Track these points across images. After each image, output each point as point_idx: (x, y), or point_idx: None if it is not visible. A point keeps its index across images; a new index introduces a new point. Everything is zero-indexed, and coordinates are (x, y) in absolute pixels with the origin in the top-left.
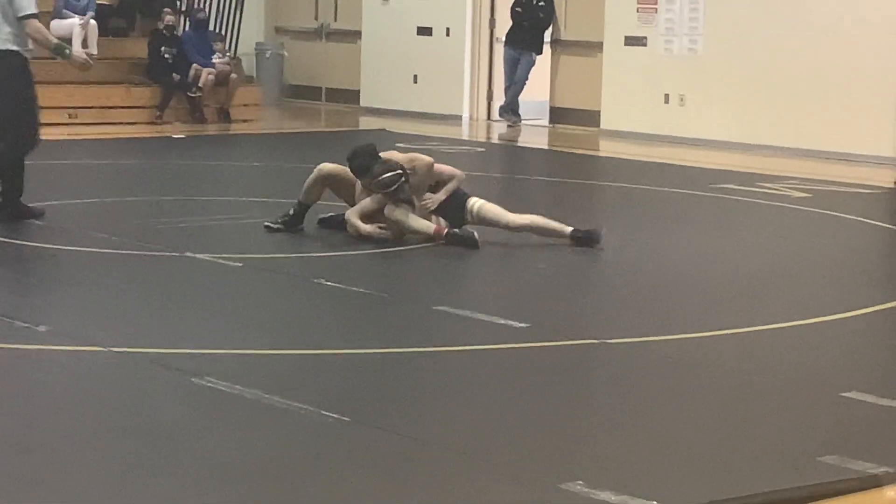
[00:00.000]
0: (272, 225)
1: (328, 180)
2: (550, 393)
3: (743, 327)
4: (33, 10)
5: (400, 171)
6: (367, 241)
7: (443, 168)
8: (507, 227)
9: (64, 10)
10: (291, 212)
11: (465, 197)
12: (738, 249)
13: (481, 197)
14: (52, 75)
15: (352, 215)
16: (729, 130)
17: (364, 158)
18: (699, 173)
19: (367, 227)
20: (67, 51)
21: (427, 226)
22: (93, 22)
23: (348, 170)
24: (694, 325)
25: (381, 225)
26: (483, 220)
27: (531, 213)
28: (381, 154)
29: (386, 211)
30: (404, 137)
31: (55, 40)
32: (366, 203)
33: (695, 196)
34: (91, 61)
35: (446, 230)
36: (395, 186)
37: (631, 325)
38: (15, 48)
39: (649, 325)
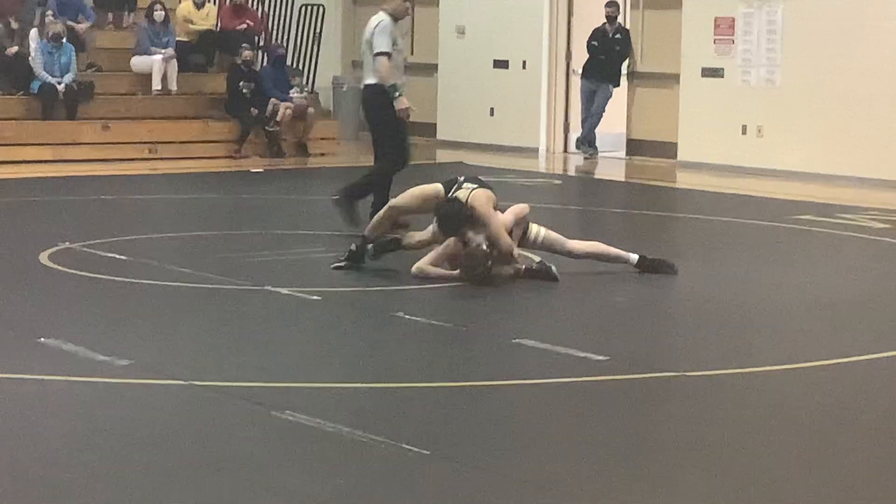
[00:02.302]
0: (340, 265)
1: (399, 214)
2: (630, 427)
3: (824, 360)
4: (385, 49)
5: (486, 258)
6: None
7: (510, 219)
8: (570, 255)
9: (151, 48)
10: (353, 248)
11: (527, 224)
12: (819, 281)
13: (552, 227)
14: (132, 111)
15: (424, 264)
16: (807, 161)
17: (455, 222)
18: (777, 205)
19: (435, 271)
20: (398, 94)
21: (505, 269)
22: (173, 58)
23: (420, 204)
24: (774, 357)
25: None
26: (545, 247)
27: (594, 240)
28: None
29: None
30: (481, 171)
31: (391, 81)
32: (439, 252)
33: (773, 227)
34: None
35: (524, 267)
36: (476, 269)
37: (710, 357)
38: (375, 81)
39: (729, 357)
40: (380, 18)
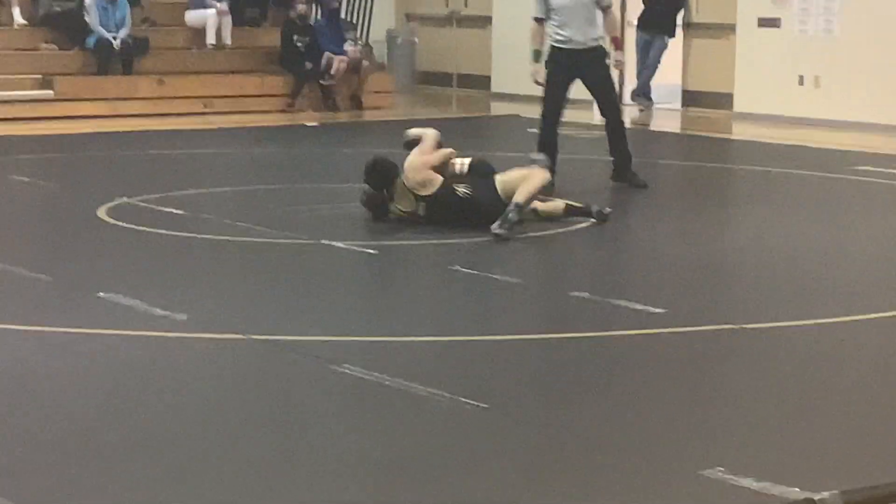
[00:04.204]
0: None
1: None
2: (688, 379)
3: (883, 312)
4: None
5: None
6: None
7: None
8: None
9: (206, 2)
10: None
11: (492, 173)
12: (879, 233)
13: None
14: (187, 66)
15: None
16: (865, 112)
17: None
18: (836, 156)
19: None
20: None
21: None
22: (227, 13)
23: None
24: (833, 309)
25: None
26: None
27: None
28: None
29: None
30: (536, 123)
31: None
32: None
33: (831, 178)
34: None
35: (565, 204)
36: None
37: (768, 310)
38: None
39: (788, 309)
40: None
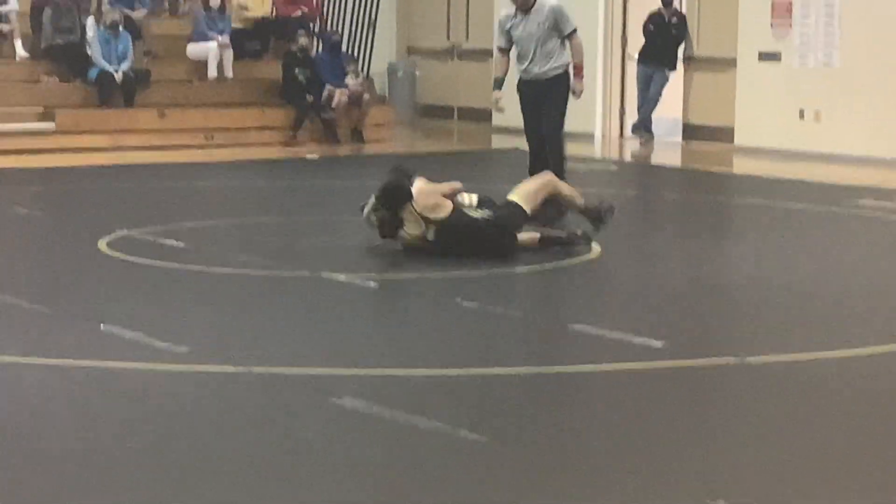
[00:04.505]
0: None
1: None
2: (689, 413)
3: (883, 345)
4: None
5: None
6: (492, 258)
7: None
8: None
9: (209, 33)
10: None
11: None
12: (878, 266)
13: None
14: (188, 98)
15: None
16: (866, 145)
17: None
18: (835, 189)
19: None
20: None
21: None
22: (229, 45)
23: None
24: (832, 343)
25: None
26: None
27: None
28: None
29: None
30: None
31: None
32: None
33: (833, 213)
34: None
35: (540, 236)
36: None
37: (768, 342)
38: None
39: (789, 343)
40: (552, 1)
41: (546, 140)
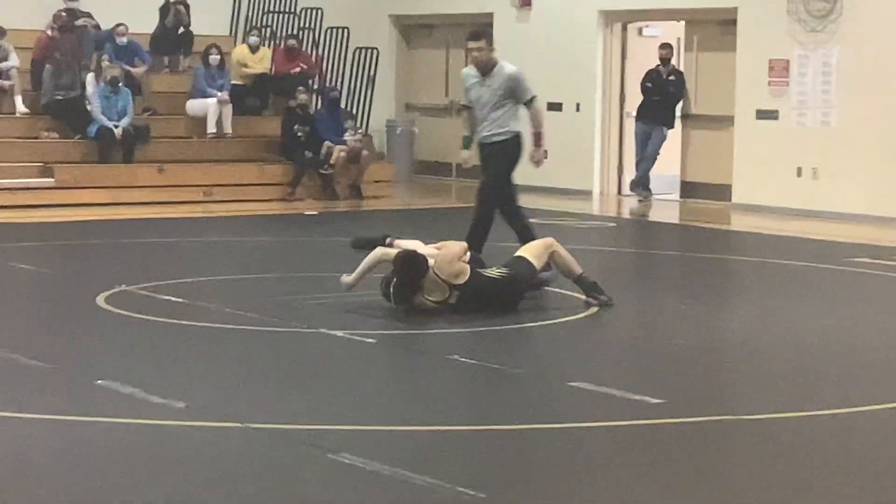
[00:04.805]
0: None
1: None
2: (687, 470)
3: (882, 403)
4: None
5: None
6: (492, 315)
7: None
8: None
9: (209, 89)
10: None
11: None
12: (875, 324)
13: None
14: (187, 154)
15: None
16: (863, 204)
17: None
18: (832, 247)
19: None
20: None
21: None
22: (228, 102)
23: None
24: (831, 401)
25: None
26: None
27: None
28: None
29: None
30: (534, 213)
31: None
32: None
33: (829, 270)
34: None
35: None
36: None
37: (768, 400)
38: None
39: (786, 400)
40: (511, 67)
41: (476, 204)
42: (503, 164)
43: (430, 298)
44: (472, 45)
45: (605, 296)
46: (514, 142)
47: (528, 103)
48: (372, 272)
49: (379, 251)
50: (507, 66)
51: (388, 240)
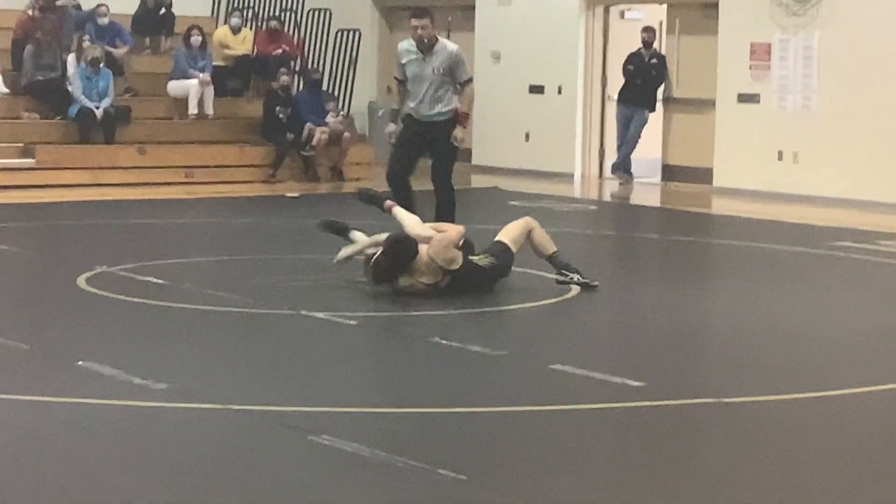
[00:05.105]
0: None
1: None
2: (668, 453)
3: (861, 387)
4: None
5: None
6: (473, 298)
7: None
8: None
9: (190, 70)
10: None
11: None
12: (856, 308)
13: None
14: (168, 136)
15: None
16: (844, 187)
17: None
18: (815, 231)
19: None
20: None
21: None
22: (209, 83)
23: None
24: (810, 384)
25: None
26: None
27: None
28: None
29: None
30: (516, 196)
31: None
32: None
33: (810, 254)
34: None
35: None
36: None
37: (748, 384)
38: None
39: (766, 384)
40: (453, 45)
41: (436, 186)
42: (451, 141)
43: (423, 280)
44: (416, 22)
45: (578, 273)
46: (456, 119)
47: (466, 83)
48: (366, 251)
49: (377, 237)
50: (448, 44)
51: (387, 203)
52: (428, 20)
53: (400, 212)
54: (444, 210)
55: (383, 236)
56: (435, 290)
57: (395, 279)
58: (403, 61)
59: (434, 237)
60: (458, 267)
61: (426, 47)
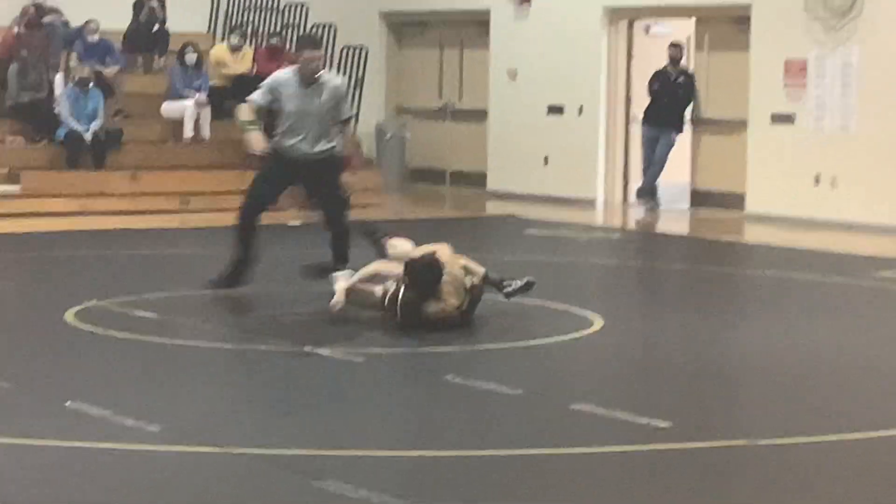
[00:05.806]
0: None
1: None
2: (697, 499)
3: None
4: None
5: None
6: (485, 333)
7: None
8: None
9: (185, 90)
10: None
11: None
12: None
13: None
14: (162, 160)
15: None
16: (886, 214)
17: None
18: (856, 261)
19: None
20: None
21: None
22: (206, 104)
23: None
24: (853, 424)
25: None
26: None
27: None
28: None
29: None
30: (534, 224)
31: None
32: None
33: (852, 285)
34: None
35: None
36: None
37: (783, 424)
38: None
39: (804, 424)
40: (338, 78)
41: (333, 224)
42: (338, 176)
43: (452, 302)
44: (315, 54)
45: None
46: (337, 154)
47: (347, 122)
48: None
49: (374, 264)
50: (333, 77)
51: (383, 239)
52: (321, 51)
53: (396, 241)
54: (341, 249)
55: (372, 266)
56: (461, 315)
57: (423, 310)
58: (286, 93)
59: (446, 255)
60: (479, 280)
61: (312, 80)
